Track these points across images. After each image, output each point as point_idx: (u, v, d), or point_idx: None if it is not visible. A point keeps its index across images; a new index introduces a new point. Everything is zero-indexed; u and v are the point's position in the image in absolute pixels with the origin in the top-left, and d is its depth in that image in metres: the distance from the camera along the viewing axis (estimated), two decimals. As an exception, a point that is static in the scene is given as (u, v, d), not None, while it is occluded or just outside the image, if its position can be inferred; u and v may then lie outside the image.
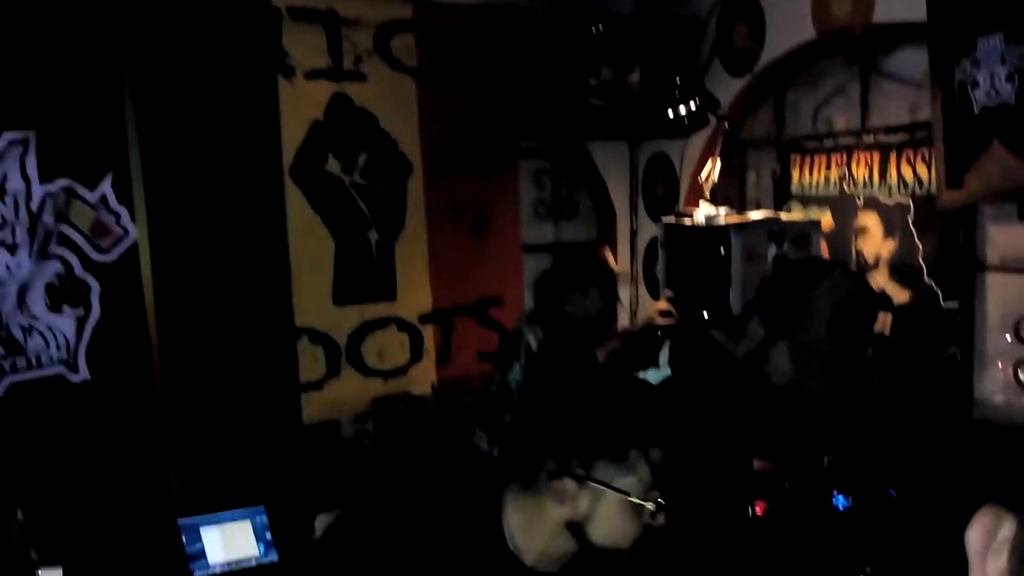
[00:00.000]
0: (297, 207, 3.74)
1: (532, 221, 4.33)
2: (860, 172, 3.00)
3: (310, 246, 3.78)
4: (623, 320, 4.14)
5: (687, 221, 3.14)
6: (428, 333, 4.08)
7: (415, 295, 4.03)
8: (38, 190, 3.17)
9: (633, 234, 4.20)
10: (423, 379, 4.07)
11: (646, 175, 4.18)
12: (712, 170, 3.25)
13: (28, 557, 1.70)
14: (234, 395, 3.60)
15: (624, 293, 4.17)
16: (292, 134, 3.69)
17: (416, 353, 4.06)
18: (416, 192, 3.98)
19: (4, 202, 3.11)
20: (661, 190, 4.08)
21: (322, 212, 3.80)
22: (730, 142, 3.65)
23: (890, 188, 2.87)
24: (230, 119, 3.51)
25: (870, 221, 2.96)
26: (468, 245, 4.10)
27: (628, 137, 4.09)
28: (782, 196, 3.33)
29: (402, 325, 4.02)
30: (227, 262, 3.57)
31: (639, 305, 4.09)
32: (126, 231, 3.35)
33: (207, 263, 3.53)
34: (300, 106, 3.67)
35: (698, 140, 3.78)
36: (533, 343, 3.12)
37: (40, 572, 1.60)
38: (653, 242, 4.09)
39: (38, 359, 3.21)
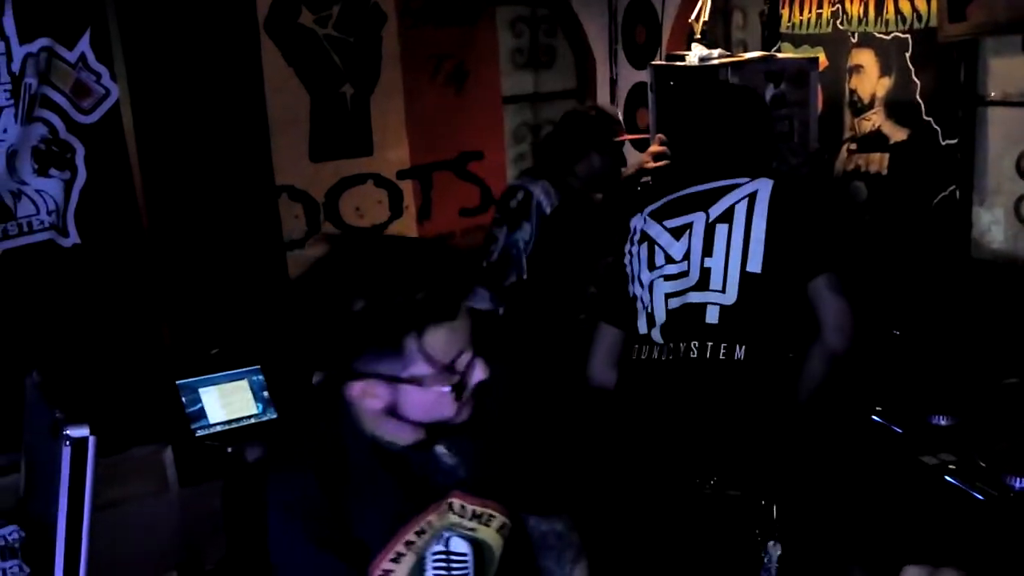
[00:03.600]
0: (272, 62, 3.65)
1: (510, 71, 4.26)
2: (854, 8, 2.98)
3: (286, 102, 3.70)
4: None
5: (679, 64, 3.14)
6: (407, 189, 4.07)
7: (392, 150, 3.99)
8: (18, 51, 3.03)
9: (613, 82, 4.18)
10: (404, 235, 4.09)
11: (625, 20, 4.12)
12: (703, 10, 3.22)
13: (51, 417, 1.73)
14: (222, 255, 3.59)
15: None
16: (266, -15, 3.57)
17: (396, 210, 4.06)
18: (391, 44, 3.88)
19: (-14, 64, 2.98)
20: (642, 36, 4.04)
21: (296, 66, 3.71)
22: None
23: (887, 23, 2.86)
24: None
25: (865, 59, 2.95)
26: (446, 98, 4.04)
27: (606, -20, 4.02)
28: (771, 37, 3.31)
29: (380, 181, 4.00)
30: (207, 119, 3.48)
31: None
32: (107, 91, 3.24)
33: (188, 121, 3.45)
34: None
35: (681, -18, 3.73)
36: (546, 205, 3.14)
37: (68, 431, 1.64)
38: (634, 89, 4.09)
39: (28, 224, 3.16)
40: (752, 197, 2.19)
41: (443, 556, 1.49)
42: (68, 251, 3.24)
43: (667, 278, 2.23)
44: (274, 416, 3.04)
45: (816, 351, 2.16)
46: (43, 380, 1.94)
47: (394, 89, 3.92)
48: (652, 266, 2.26)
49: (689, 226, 2.23)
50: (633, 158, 3.50)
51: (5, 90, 3.05)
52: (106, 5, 3.22)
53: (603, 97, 4.23)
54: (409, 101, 3.96)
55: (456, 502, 1.47)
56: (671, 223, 2.27)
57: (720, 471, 2.07)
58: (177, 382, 2.94)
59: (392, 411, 1.37)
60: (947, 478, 2.09)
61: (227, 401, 3.03)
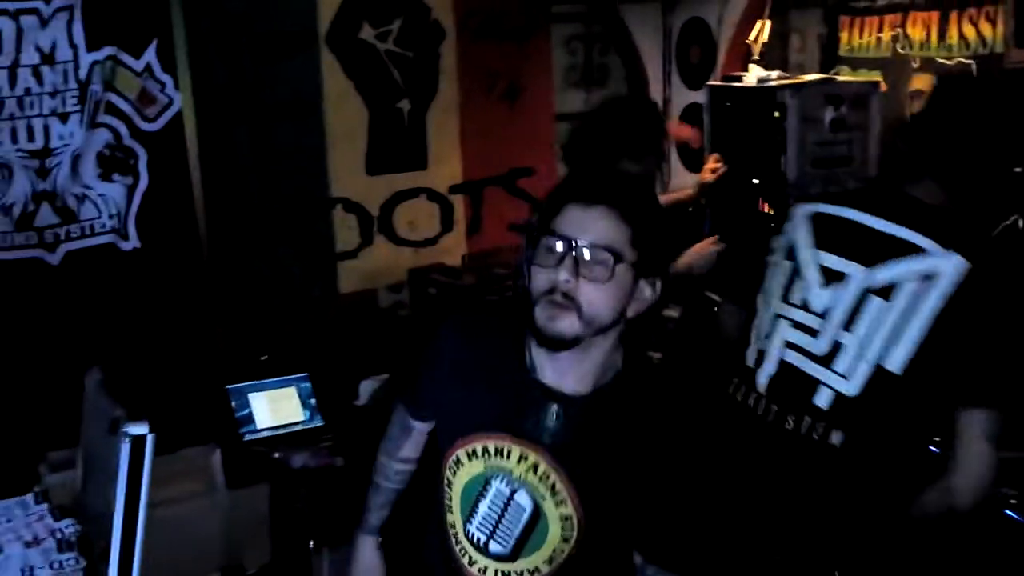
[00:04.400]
0: (332, 75, 3.72)
1: (563, 88, 4.28)
2: (917, 32, 2.95)
3: (344, 115, 3.77)
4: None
5: (736, 84, 3.13)
6: (458, 204, 4.11)
7: (446, 165, 4.04)
8: (85, 58, 3.13)
9: (666, 102, 4.19)
10: (454, 250, 4.12)
11: (680, 40, 4.13)
12: (761, 32, 3.22)
13: (112, 413, 1.76)
14: (275, 263, 3.67)
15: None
16: (328, 1, 3.64)
17: (447, 224, 4.10)
18: (449, 59, 3.94)
19: (54, 70, 3.08)
20: (696, 56, 4.05)
21: (356, 80, 3.78)
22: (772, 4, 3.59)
23: (950, 48, 2.84)
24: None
25: (927, 84, 2.94)
26: (500, 114, 4.09)
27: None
28: (829, 60, 3.30)
29: (432, 195, 4.05)
30: (266, 130, 3.57)
31: (672, 176, 4.12)
32: (171, 99, 3.33)
33: (247, 131, 3.54)
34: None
35: (738, 2, 3.73)
36: None
37: (127, 428, 1.67)
38: (687, 110, 4.09)
39: (91, 227, 3.25)
40: (930, 281, 1.75)
41: (504, 500, 1.57)
42: (128, 254, 3.33)
43: (795, 325, 1.92)
44: (320, 423, 3.09)
45: (936, 490, 1.77)
46: (104, 377, 1.98)
47: (450, 104, 3.97)
48: (786, 298, 1.95)
49: (843, 278, 1.86)
50: (682, 178, 3.49)
51: (73, 96, 3.15)
52: (172, 17, 3.32)
53: (657, 117, 4.23)
54: (464, 116, 4.01)
55: (543, 465, 1.53)
56: (828, 259, 1.90)
57: (795, 548, 1.90)
58: (227, 387, 3.01)
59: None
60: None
61: (275, 407, 3.09)
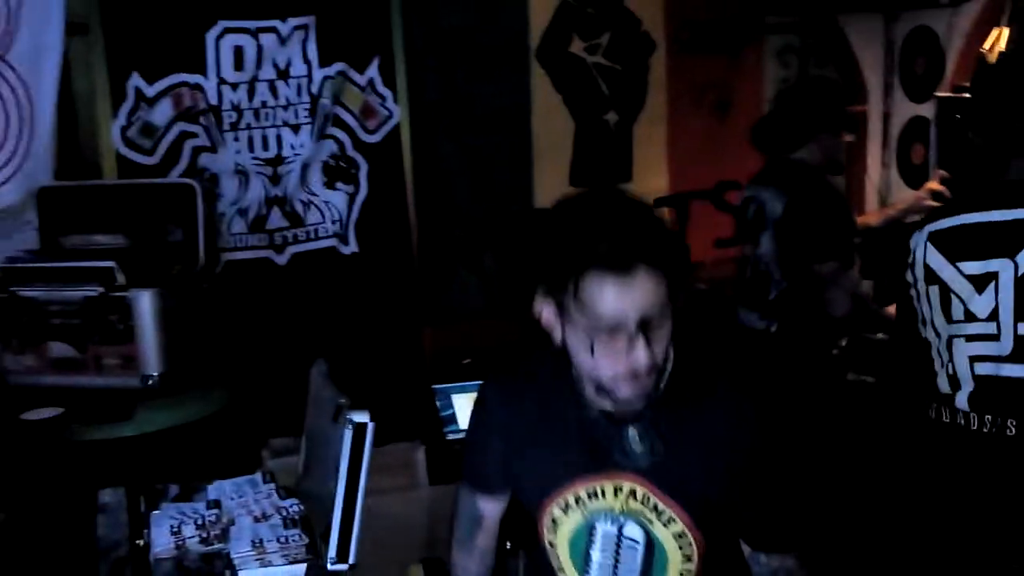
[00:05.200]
0: (541, 88, 3.80)
1: (776, 102, 4.18)
2: None
3: (551, 127, 3.84)
4: (871, 202, 3.99)
5: (968, 96, 2.93)
6: (663, 216, 4.07)
7: (651, 177, 4.02)
8: (317, 74, 3.36)
9: (886, 116, 3.98)
10: (657, 263, 4.08)
11: (904, 50, 3.91)
12: (998, 40, 3.00)
13: (335, 402, 1.86)
14: (480, 270, 3.77)
15: (874, 179, 4.00)
16: (539, 15, 3.72)
17: (651, 236, 4.07)
18: (658, 72, 3.93)
19: (288, 85, 3.33)
20: (921, 67, 3.82)
21: (564, 93, 3.84)
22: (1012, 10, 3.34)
23: None
24: (483, 5, 3.60)
25: None
26: (709, 127, 4.03)
27: (884, 9, 3.84)
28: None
29: (636, 208, 4.03)
30: (476, 142, 3.69)
31: (890, 193, 3.91)
32: (390, 113, 3.52)
33: (459, 143, 3.68)
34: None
35: (970, 9, 3.49)
36: (776, 208, 2.97)
37: (350, 415, 1.76)
38: (910, 124, 3.87)
39: (315, 232, 3.47)
40: None
41: (615, 540, 1.52)
42: (347, 258, 3.54)
43: (970, 339, 1.95)
44: (518, 429, 3.15)
45: None
46: (328, 368, 2.11)
47: (658, 117, 3.96)
48: (949, 318, 1.97)
49: (994, 277, 1.91)
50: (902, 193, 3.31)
51: (305, 109, 3.39)
52: (393, 35, 3.51)
53: (875, 132, 4.03)
54: (672, 129, 3.98)
55: (640, 490, 1.49)
56: (970, 267, 1.95)
57: None
58: (433, 386, 3.12)
59: (568, 353, 1.42)
60: None
61: (476, 410, 3.17)
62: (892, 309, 2.47)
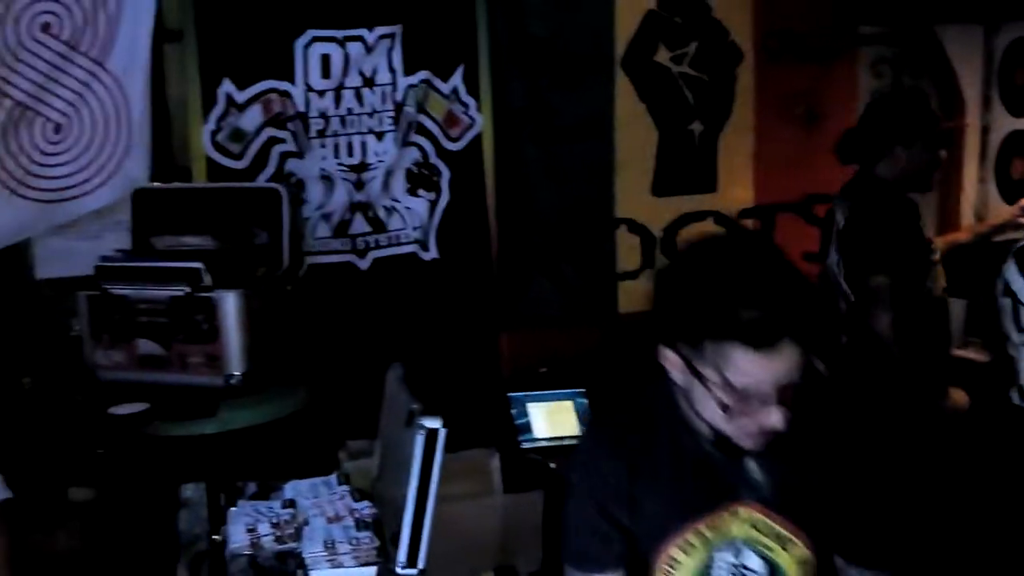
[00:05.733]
0: (625, 98, 3.76)
1: (868, 113, 4.06)
2: None
3: (634, 137, 3.79)
4: (966, 218, 3.85)
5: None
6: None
7: (736, 189, 3.94)
8: (402, 82, 3.40)
9: (984, 130, 3.83)
10: (740, 276, 4.01)
11: (1004, 61, 3.77)
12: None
13: (409, 407, 1.86)
14: (558, 279, 3.76)
15: (969, 195, 3.86)
16: (625, 24, 3.69)
17: (735, 248, 4.00)
18: (745, 82, 3.85)
19: (374, 92, 3.38)
20: (1022, 80, 3.67)
21: (648, 102, 3.79)
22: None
23: None
24: (569, 13, 3.58)
25: None
26: (797, 138, 3.92)
27: (984, 19, 3.70)
28: None
29: (720, 219, 3.95)
30: (557, 150, 3.68)
31: (987, 209, 3.76)
32: (473, 121, 3.54)
33: (540, 151, 3.66)
34: (636, -5, 3.66)
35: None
36: (840, 219, 2.89)
37: (422, 421, 1.75)
38: (1009, 138, 3.72)
39: (397, 237, 3.51)
40: None
41: (736, 568, 1.48)
42: (427, 264, 3.56)
43: None
44: (594, 440, 3.12)
45: None
46: (404, 373, 2.12)
47: (744, 127, 3.88)
48: (1018, 327, 2.10)
49: None
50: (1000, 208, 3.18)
51: (389, 117, 3.43)
52: (479, 43, 3.53)
53: (972, 146, 3.88)
54: (759, 140, 3.89)
55: (759, 517, 1.46)
56: None
57: None
58: (509, 394, 3.12)
59: (686, 396, 1.39)
60: None
61: (552, 419, 3.15)
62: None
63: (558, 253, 3.75)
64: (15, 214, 2.99)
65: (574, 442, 3.09)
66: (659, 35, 3.74)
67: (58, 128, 3.06)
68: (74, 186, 3.10)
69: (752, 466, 1.43)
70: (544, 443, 3.06)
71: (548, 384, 3.22)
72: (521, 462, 2.95)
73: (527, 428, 3.09)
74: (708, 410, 1.35)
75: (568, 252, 3.76)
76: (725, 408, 1.32)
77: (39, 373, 2.84)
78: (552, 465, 2.95)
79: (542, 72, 3.60)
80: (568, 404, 3.19)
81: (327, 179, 3.39)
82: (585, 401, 3.19)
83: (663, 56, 3.76)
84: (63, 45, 3.00)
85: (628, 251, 3.90)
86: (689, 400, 1.39)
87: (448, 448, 1.75)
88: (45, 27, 2.98)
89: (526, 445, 3.05)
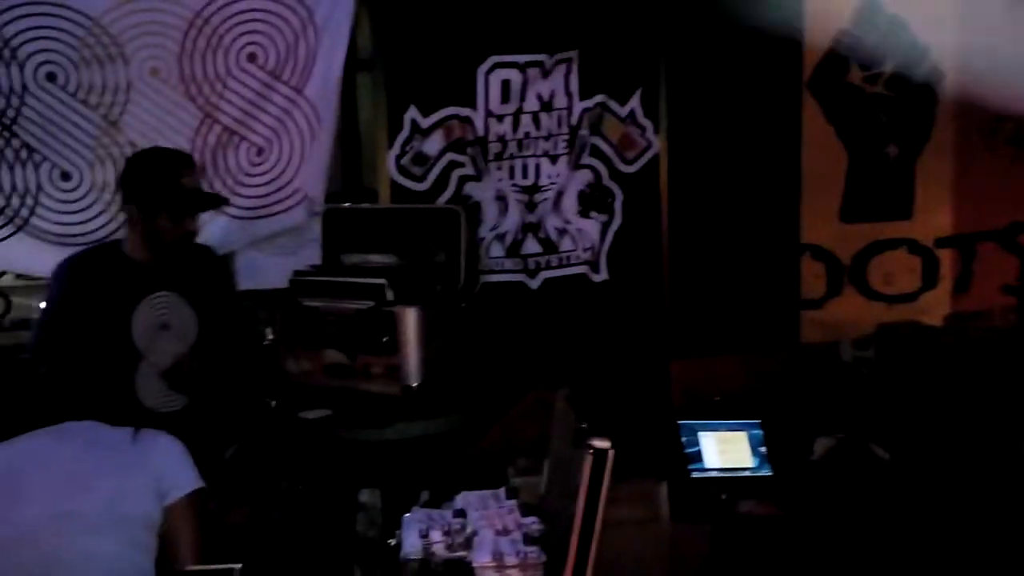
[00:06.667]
0: (812, 120, 3.64)
1: (1085, 134, 3.74)
2: None
3: (822, 160, 3.67)
4: None
5: None
6: (945, 258, 3.76)
7: (934, 215, 3.73)
8: (578, 105, 3.44)
9: None
10: (935, 308, 3.77)
11: None
12: None
13: (577, 427, 1.86)
14: (735, 307, 3.67)
15: None
16: (814, 45, 3.58)
17: (929, 280, 3.77)
18: (946, 103, 3.64)
19: (550, 116, 3.43)
20: None
21: (837, 124, 3.66)
22: None
23: None
24: (752, 35, 3.50)
25: None
26: (1003, 162, 3.68)
27: None
28: None
29: (915, 248, 3.75)
30: (738, 174, 3.60)
31: None
32: (649, 143, 3.53)
33: (720, 176, 3.60)
34: (826, 15, 3.54)
35: None
36: None
37: (591, 441, 1.73)
38: None
39: (568, 258, 3.53)
40: None
41: None
42: (597, 285, 3.57)
43: None
44: (768, 473, 3.00)
45: None
46: (572, 394, 2.12)
47: (944, 151, 3.67)
48: None
49: None
50: None
51: (563, 140, 3.46)
52: (659, 67, 3.53)
53: None
54: (960, 164, 3.67)
55: None
56: None
57: None
58: (679, 421, 3.06)
59: None
60: None
61: (724, 449, 3.06)
62: None
63: (736, 279, 3.66)
64: (219, 230, 3.24)
65: (746, 474, 3.00)
66: (852, 55, 3.60)
67: (260, 151, 3.29)
68: (272, 204, 3.33)
69: None
70: (715, 473, 2.98)
71: (721, 414, 3.14)
72: (690, 492, 2.88)
73: (697, 457, 3.01)
74: None
75: (747, 278, 3.67)
76: None
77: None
78: (723, 496, 2.86)
79: (722, 94, 3.54)
80: (741, 435, 3.09)
81: (501, 200, 3.47)
82: (760, 432, 3.08)
83: (856, 76, 3.63)
84: (267, 75, 3.23)
85: (813, 279, 3.77)
86: None
87: (615, 473, 1.73)
88: (251, 57, 3.22)
89: (696, 475, 2.98)
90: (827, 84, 3.61)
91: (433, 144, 3.40)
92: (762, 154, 3.61)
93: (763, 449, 3.05)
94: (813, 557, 2.13)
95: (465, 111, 3.40)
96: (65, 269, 2.67)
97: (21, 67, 3.08)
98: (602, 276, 3.58)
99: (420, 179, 3.41)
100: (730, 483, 2.95)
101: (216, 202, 2.88)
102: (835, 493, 2.77)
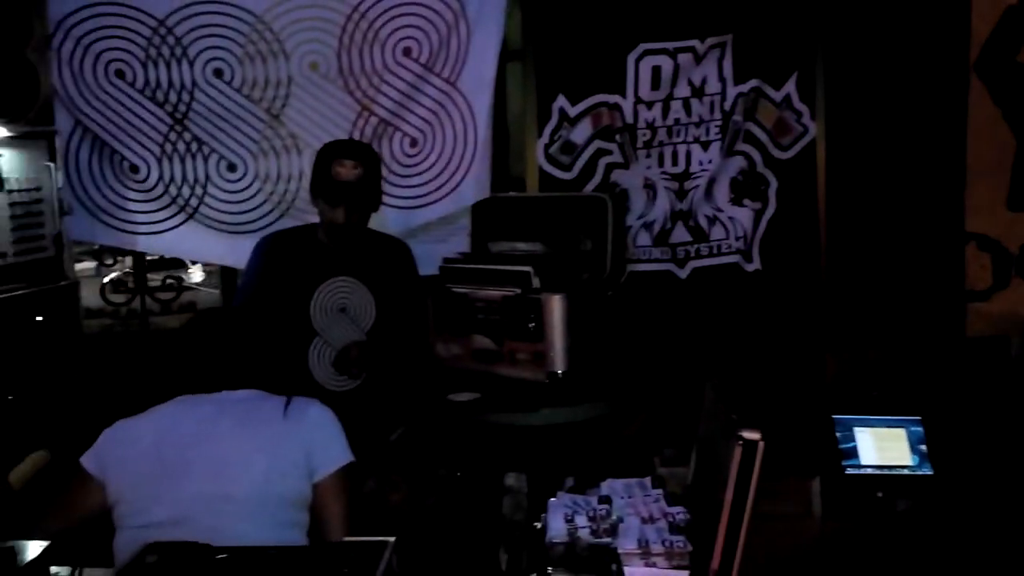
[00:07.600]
0: (979, 104, 3.43)
1: None
2: None
3: (989, 145, 3.44)
4: None
5: None
6: None
7: (1117, 206, 3.46)
8: (731, 91, 3.38)
9: None
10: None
11: None
12: None
13: (726, 418, 1.83)
14: (895, 297, 3.52)
15: None
16: (982, 24, 3.37)
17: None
18: None
19: (702, 102, 3.38)
20: None
21: (1005, 107, 3.43)
22: None
23: None
24: (915, 16, 3.37)
25: None
26: None
27: None
28: None
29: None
30: (900, 161, 3.46)
31: None
32: (805, 129, 3.43)
33: (880, 162, 3.47)
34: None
35: None
36: None
37: (741, 432, 1.70)
38: None
39: (718, 247, 3.48)
40: None
41: None
42: (750, 275, 3.50)
43: None
44: (929, 472, 2.87)
45: None
46: (722, 384, 2.09)
47: None
48: None
49: None
50: None
51: (716, 126, 3.41)
52: (816, 50, 3.42)
53: None
54: None
55: None
56: None
57: None
58: (833, 416, 2.96)
59: None
60: None
61: (881, 445, 2.94)
62: None
63: (896, 269, 3.52)
64: (377, 220, 3.37)
65: (904, 472, 2.88)
66: (1022, 33, 3.37)
67: (414, 142, 3.39)
68: (426, 195, 3.42)
69: None
70: (871, 470, 2.87)
71: (879, 409, 3.03)
72: (845, 488, 2.79)
73: (853, 453, 2.91)
74: None
75: (908, 268, 3.52)
76: None
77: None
78: (880, 494, 2.76)
79: (883, 78, 3.41)
80: (900, 432, 2.96)
81: (650, 187, 3.45)
82: (920, 430, 2.95)
83: (1027, 55, 3.40)
84: (421, 67, 3.33)
85: (978, 270, 3.57)
86: None
87: (765, 467, 1.70)
88: (406, 51, 3.32)
89: (851, 471, 2.89)
90: (995, 64, 3.39)
91: (581, 132, 3.42)
92: (924, 139, 3.44)
93: (923, 447, 2.92)
94: (973, 561, 2.02)
95: (613, 98, 3.40)
96: (265, 243, 2.83)
97: (191, 64, 3.29)
98: (755, 265, 3.51)
99: (568, 168, 3.43)
100: (887, 481, 2.83)
101: (362, 193, 2.79)
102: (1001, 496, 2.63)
